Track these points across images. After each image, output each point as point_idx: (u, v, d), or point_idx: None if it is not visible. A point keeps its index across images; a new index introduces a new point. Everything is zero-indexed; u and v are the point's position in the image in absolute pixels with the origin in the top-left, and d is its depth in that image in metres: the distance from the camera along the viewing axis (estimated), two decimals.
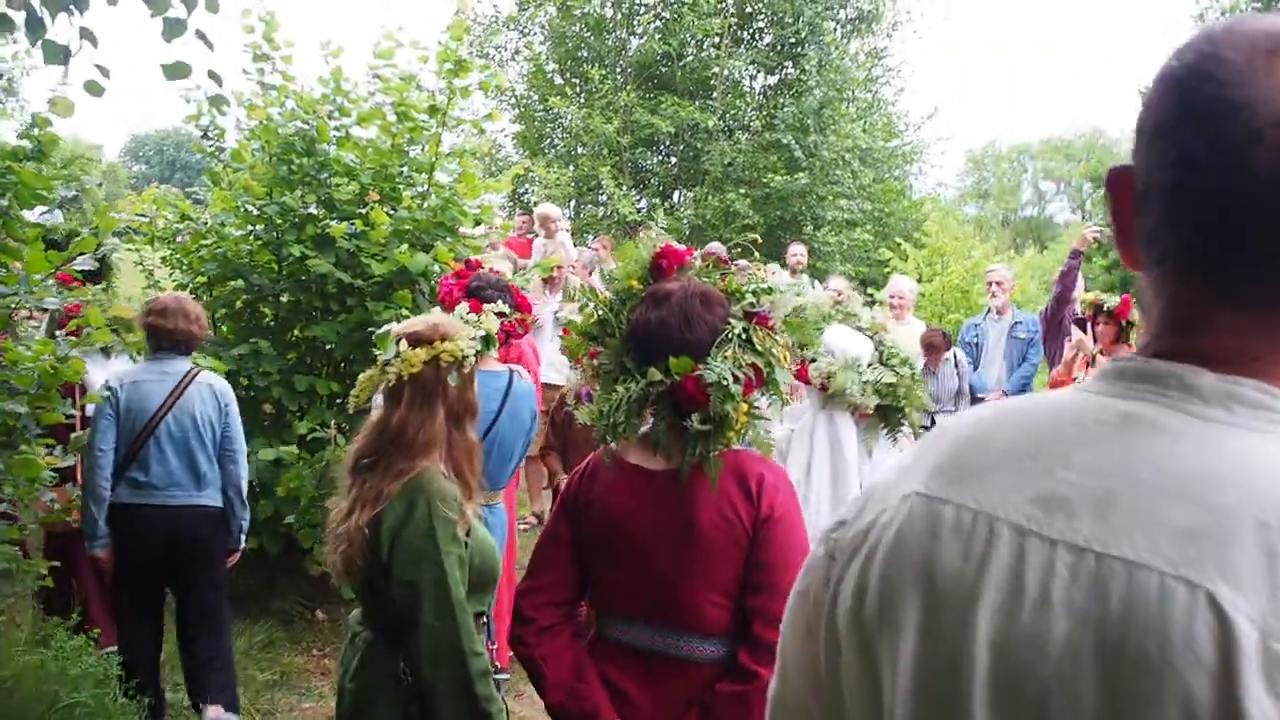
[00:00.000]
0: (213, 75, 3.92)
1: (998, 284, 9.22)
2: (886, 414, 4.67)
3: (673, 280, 2.58)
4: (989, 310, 9.26)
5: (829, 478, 4.59)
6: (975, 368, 9.00)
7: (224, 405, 4.87)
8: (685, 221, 14.39)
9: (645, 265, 2.63)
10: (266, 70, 6.46)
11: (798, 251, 10.46)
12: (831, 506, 4.49)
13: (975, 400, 8.81)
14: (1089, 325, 7.34)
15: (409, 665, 2.79)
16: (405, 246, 5.90)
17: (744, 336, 2.51)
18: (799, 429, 4.33)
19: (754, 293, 2.57)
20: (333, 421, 5.93)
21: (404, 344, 2.89)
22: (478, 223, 6.54)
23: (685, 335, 2.46)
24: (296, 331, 6.55)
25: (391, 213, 6.08)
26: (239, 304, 6.55)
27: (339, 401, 6.44)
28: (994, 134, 68.86)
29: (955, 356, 8.52)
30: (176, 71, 3.51)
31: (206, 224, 6.52)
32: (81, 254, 4.27)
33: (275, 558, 6.17)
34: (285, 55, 6.45)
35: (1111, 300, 7.04)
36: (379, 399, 3.00)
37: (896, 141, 16.60)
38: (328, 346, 6.45)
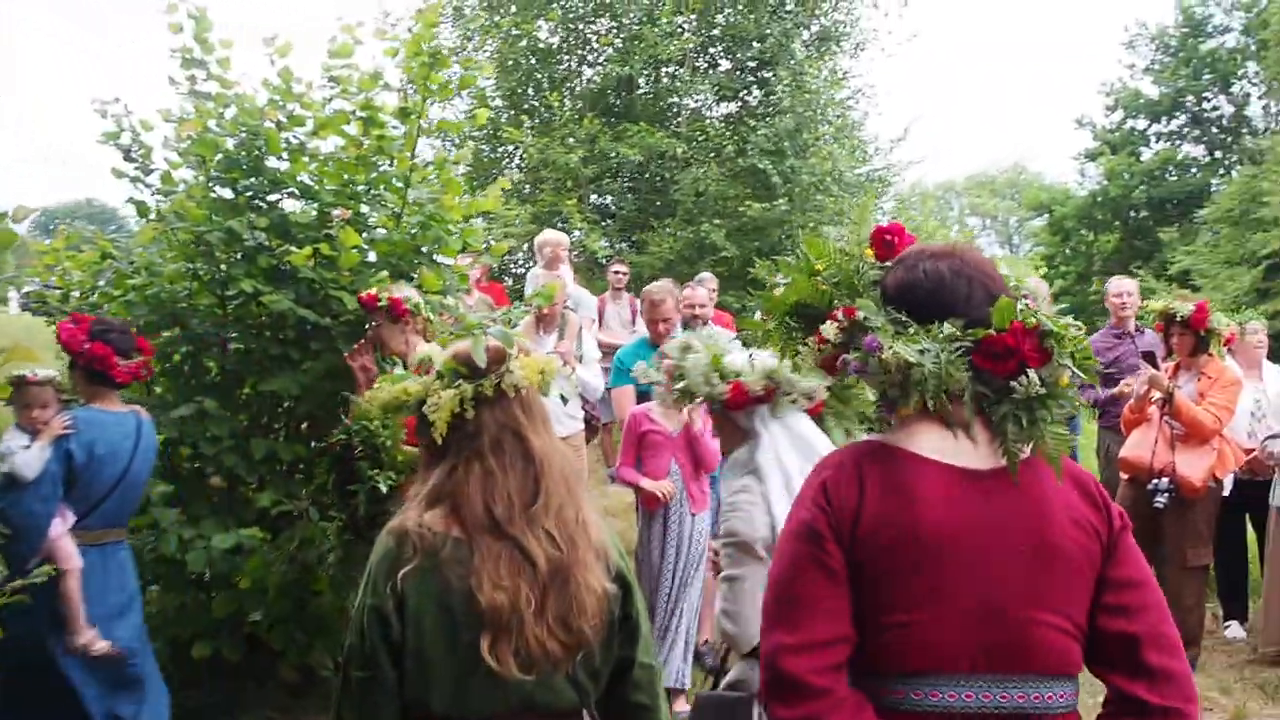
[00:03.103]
0: None
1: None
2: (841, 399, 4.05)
3: (929, 244, 2.14)
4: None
5: None
6: None
7: None
8: (656, 255, 13.42)
9: (867, 240, 2.20)
10: (199, 78, 5.38)
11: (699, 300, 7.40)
12: None
13: None
14: (1163, 339, 6.47)
15: None
16: (384, 274, 4.81)
17: (1033, 310, 1.98)
18: (760, 459, 3.79)
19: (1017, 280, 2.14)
20: (303, 492, 4.81)
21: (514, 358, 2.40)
22: (464, 247, 5.49)
23: (988, 286, 2.01)
24: (248, 387, 5.42)
25: (364, 235, 5.00)
26: (177, 357, 5.40)
27: (302, 468, 5.32)
28: (928, 170, 69.36)
29: None
30: None
31: (133, 263, 5.37)
32: None
33: (236, 664, 5.02)
34: (222, 58, 5.37)
35: (1185, 308, 6.19)
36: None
37: (867, 167, 15.89)
38: (287, 403, 5.34)
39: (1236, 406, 6.20)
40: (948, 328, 1.95)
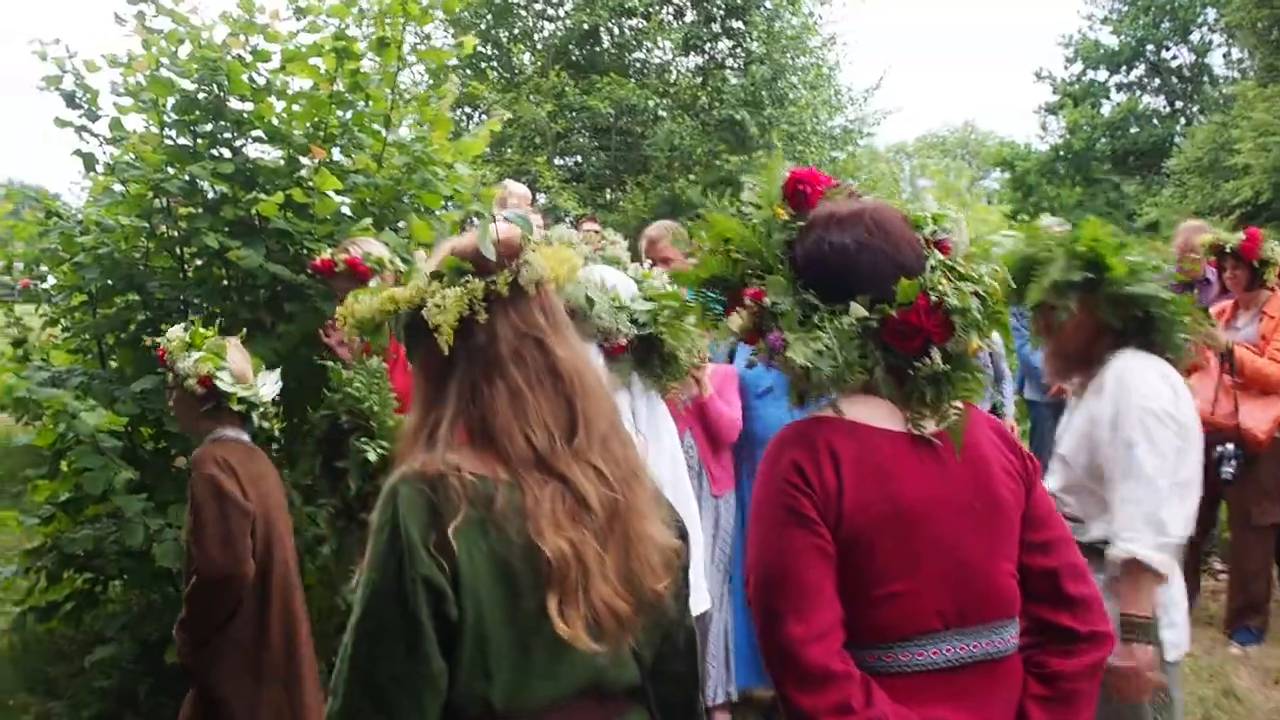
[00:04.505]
0: None
1: None
2: (649, 349, 3.79)
3: (839, 204, 2.11)
4: None
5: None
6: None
7: None
8: (629, 214, 12.89)
9: (778, 193, 2.14)
10: (149, 13, 4.77)
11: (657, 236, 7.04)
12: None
13: (1028, 382, 7.45)
14: (1216, 275, 6.03)
15: None
16: (368, 222, 4.25)
17: (946, 264, 2.06)
18: None
19: (934, 217, 2.13)
20: (284, 474, 4.27)
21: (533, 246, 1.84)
22: (449, 196, 4.93)
23: (895, 258, 2.03)
24: None
25: (343, 179, 4.43)
26: (133, 325, 4.82)
27: (278, 447, 4.77)
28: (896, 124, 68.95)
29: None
30: None
31: (79, 221, 4.76)
32: None
33: None
34: None
35: (1234, 238, 5.73)
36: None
37: (840, 119, 15.41)
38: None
39: None
40: (855, 308, 1.99)
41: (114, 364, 4.95)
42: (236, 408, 3.56)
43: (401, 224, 4.63)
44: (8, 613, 5.56)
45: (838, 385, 2.00)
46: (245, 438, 3.65)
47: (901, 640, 1.96)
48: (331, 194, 4.36)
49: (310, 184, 4.36)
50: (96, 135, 4.80)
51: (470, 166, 5.15)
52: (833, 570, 1.93)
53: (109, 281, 4.66)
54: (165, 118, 4.73)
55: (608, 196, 14.40)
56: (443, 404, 1.77)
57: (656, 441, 3.77)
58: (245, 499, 3.40)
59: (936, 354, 1.98)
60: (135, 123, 4.84)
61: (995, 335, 2.17)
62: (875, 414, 2.01)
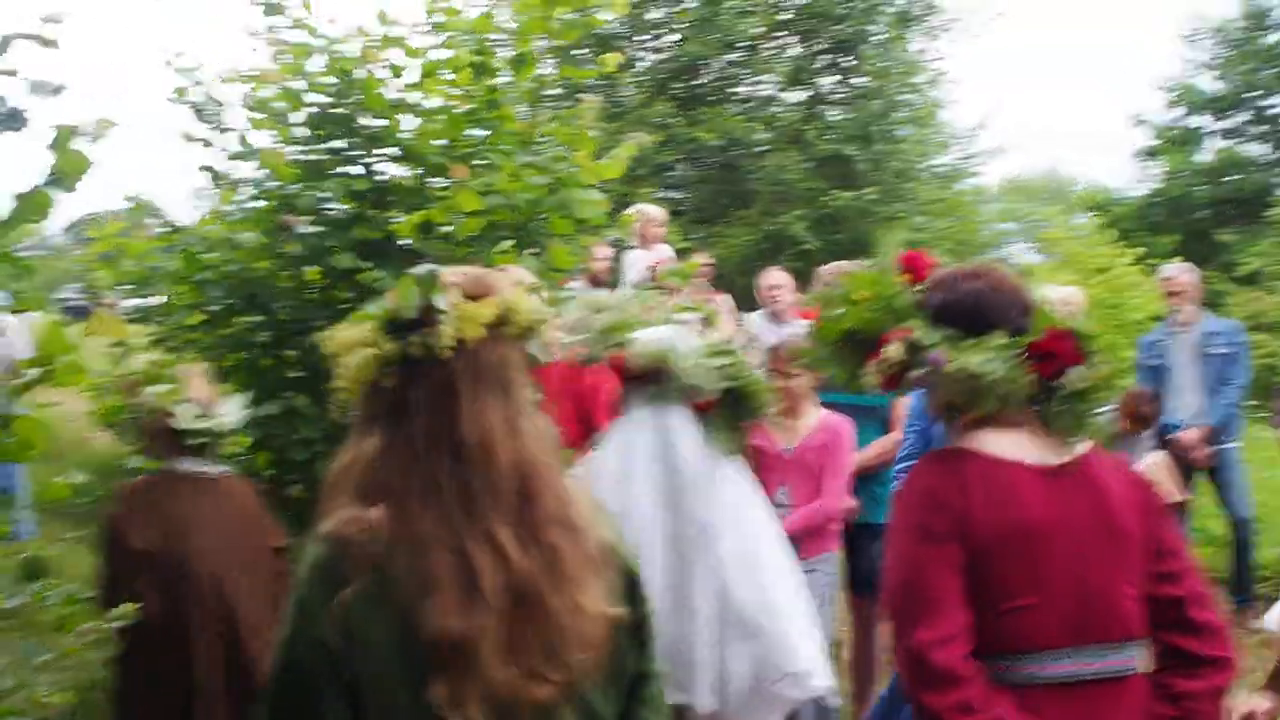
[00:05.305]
0: None
1: (1175, 291, 7.42)
2: (737, 403, 3.80)
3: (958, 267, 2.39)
4: (1171, 322, 7.45)
5: (659, 488, 3.63)
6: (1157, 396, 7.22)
7: None
8: (733, 248, 12.62)
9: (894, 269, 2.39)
10: (281, 24, 4.61)
11: (778, 283, 7.18)
12: (664, 526, 3.59)
13: (1166, 443, 7.03)
14: None
15: None
16: (508, 246, 4.01)
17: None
18: (617, 437, 3.67)
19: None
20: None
21: (456, 293, 1.75)
22: (581, 221, 4.67)
23: (1020, 299, 2.29)
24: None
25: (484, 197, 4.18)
26: (256, 348, 4.62)
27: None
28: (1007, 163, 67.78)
29: None
30: None
31: (204, 239, 4.58)
32: None
33: None
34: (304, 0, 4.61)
35: None
36: None
37: (948, 157, 15.04)
38: None
39: None
40: (997, 337, 2.20)
41: (230, 385, 4.75)
42: (191, 441, 3.48)
43: (535, 248, 4.38)
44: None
45: (1006, 390, 2.17)
46: (206, 469, 3.54)
47: (1024, 653, 2.13)
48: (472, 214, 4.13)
49: (449, 204, 4.13)
50: (224, 149, 4.64)
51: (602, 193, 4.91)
52: (961, 583, 2.12)
53: (233, 300, 4.47)
54: (293, 133, 4.56)
55: (709, 231, 14.16)
56: (360, 459, 1.71)
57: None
58: (127, 539, 3.34)
59: (1074, 373, 2.20)
60: (261, 139, 4.70)
61: None
62: (1004, 446, 2.20)
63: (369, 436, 1.71)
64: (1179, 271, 7.50)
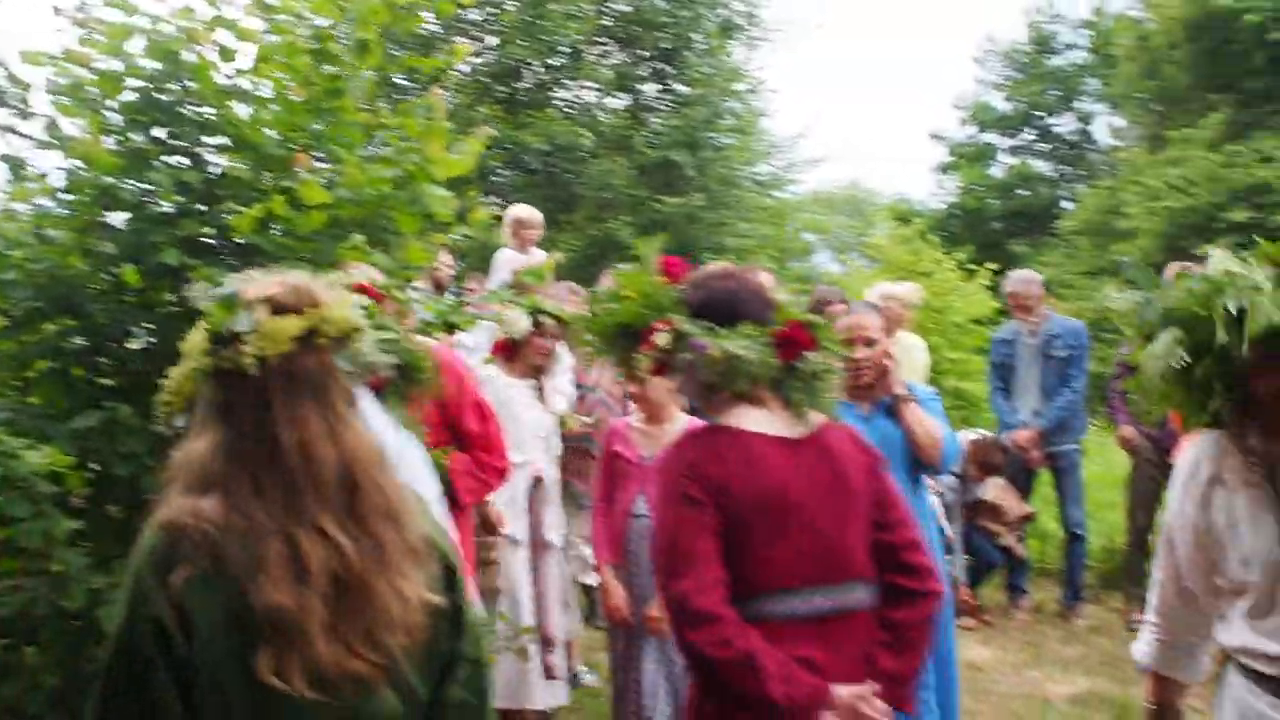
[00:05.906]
0: None
1: (1025, 305, 7.65)
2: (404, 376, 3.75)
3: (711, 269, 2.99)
4: (1020, 321, 7.67)
5: None
6: (1007, 395, 7.49)
7: None
8: (562, 254, 12.46)
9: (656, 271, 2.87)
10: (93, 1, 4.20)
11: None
12: None
13: (1004, 449, 7.31)
14: None
15: None
16: (359, 239, 3.75)
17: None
18: None
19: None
20: None
21: (261, 310, 1.89)
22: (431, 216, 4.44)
23: (765, 297, 2.81)
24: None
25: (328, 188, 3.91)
26: (67, 354, 4.18)
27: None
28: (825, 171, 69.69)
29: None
30: None
31: (8, 237, 4.13)
32: None
33: None
34: None
35: None
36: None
37: (767, 165, 15.32)
38: None
39: None
40: (746, 328, 2.68)
41: (34, 399, 4.29)
42: None
43: (384, 245, 4.13)
44: None
45: (752, 378, 2.64)
46: None
47: (773, 593, 2.58)
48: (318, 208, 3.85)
49: (291, 196, 3.83)
50: (30, 137, 4.19)
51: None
52: (717, 541, 2.54)
53: (41, 303, 4.04)
54: (109, 120, 4.16)
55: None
56: (193, 454, 1.85)
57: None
58: None
59: (810, 357, 2.69)
60: (72, 126, 4.26)
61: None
62: (753, 421, 2.67)
63: (201, 435, 1.85)
64: (1024, 285, 7.75)
